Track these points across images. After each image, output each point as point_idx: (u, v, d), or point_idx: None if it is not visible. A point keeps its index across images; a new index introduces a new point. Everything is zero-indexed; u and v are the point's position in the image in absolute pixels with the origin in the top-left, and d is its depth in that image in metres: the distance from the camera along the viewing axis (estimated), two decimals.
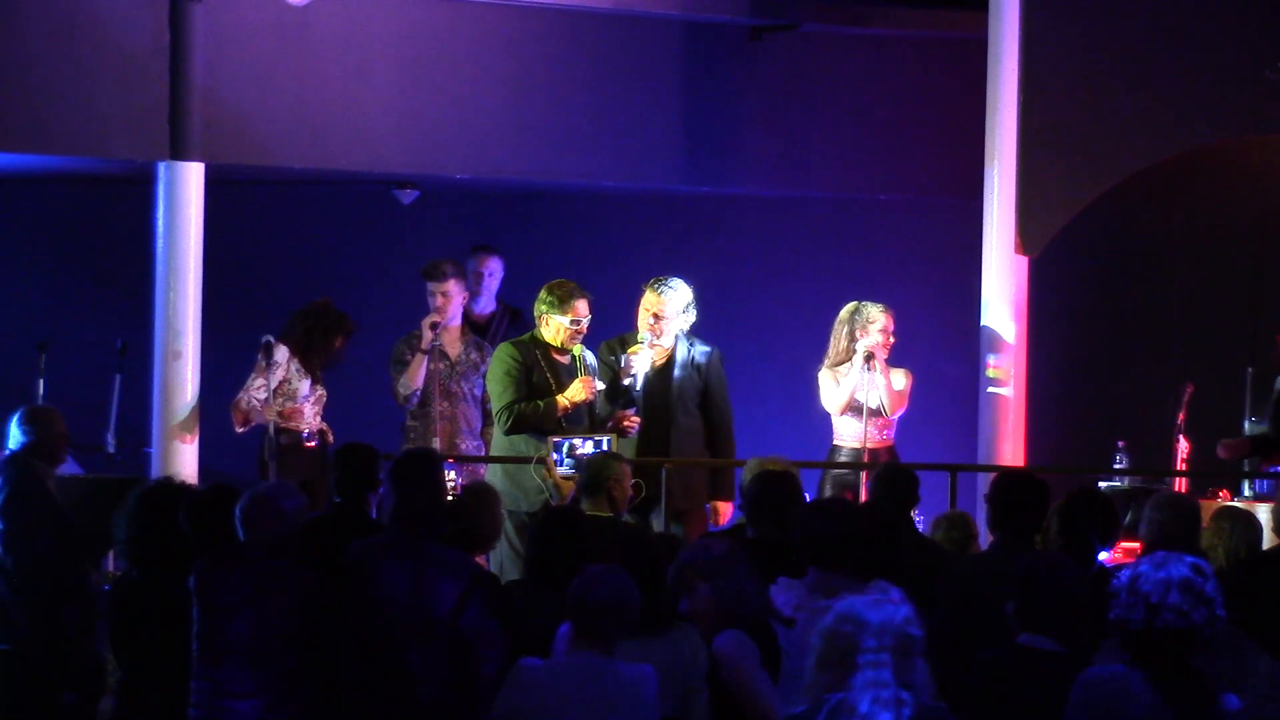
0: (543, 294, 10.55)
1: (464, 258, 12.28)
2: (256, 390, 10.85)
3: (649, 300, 10.83)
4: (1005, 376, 11.62)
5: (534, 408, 10.36)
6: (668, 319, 10.80)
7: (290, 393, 10.92)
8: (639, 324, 10.86)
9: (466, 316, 12.01)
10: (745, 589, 6.41)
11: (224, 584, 7.08)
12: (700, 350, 10.93)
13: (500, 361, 10.51)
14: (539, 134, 12.54)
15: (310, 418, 11.02)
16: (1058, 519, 8.06)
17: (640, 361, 10.76)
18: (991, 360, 11.64)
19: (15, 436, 9.28)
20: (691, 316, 10.91)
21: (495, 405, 10.48)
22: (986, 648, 6.74)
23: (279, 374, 10.84)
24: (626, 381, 10.71)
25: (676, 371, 10.86)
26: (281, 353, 10.87)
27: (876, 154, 13.44)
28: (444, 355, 11.44)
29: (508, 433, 10.29)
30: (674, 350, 10.88)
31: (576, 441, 9.91)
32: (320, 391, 11.11)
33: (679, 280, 10.90)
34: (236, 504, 7.43)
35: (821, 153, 13.35)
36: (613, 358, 10.81)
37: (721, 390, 11.00)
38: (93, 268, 13.48)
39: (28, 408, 9.43)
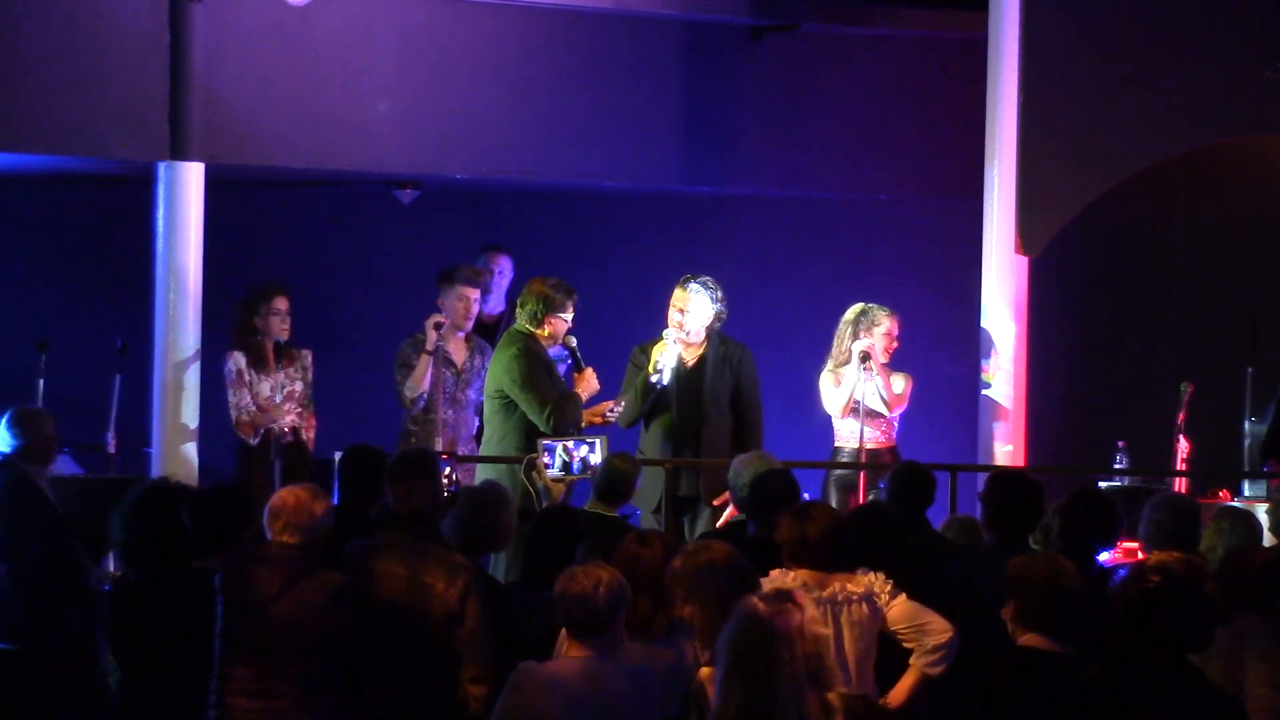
0: (536, 298, 10.46)
1: (470, 259, 12.25)
2: (243, 403, 10.95)
3: (675, 297, 10.83)
4: (994, 378, 11.62)
5: (570, 402, 10.36)
6: (691, 314, 10.79)
7: (256, 394, 10.97)
8: (668, 320, 10.86)
9: (476, 319, 12.00)
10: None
11: (250, 582, 7.04)
12: (733, 348, 10.91)
13: (525, 361, 10.36)
14: (539, 134, 12.53)
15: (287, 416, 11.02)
16: (1058, 519, 8.05)
17: (667, 357, 10.76)
18: (987, 364, 11.64)
19: (4, 439, 9.20)
20: (723, 314, 10.90)
21: (536, 407, 10.29)
22: (981, 647, 6.75)
23: (245, 379, 10.93)
24: (654, 378, 10.70)
25: (709, 370, 10.84)
26: (234, 360, 10.96)
27: (876, 154, 13.43)
28: (449, 362, 11.25)
29: (556, 432, 10.09)
30: (706, 349, 10.87)
31: (569, 444, 9.86)
32: (293, 386, 11.08)
33: (709, 278, 10.90)
34: (237, 504, 7.43)
35: (821, 153, 13.34)
36: (643, 356, 10.81)
37: (753, 389, 10.95)
38: (93, 268, 13.46)
39: (15, 410, 9.33)
